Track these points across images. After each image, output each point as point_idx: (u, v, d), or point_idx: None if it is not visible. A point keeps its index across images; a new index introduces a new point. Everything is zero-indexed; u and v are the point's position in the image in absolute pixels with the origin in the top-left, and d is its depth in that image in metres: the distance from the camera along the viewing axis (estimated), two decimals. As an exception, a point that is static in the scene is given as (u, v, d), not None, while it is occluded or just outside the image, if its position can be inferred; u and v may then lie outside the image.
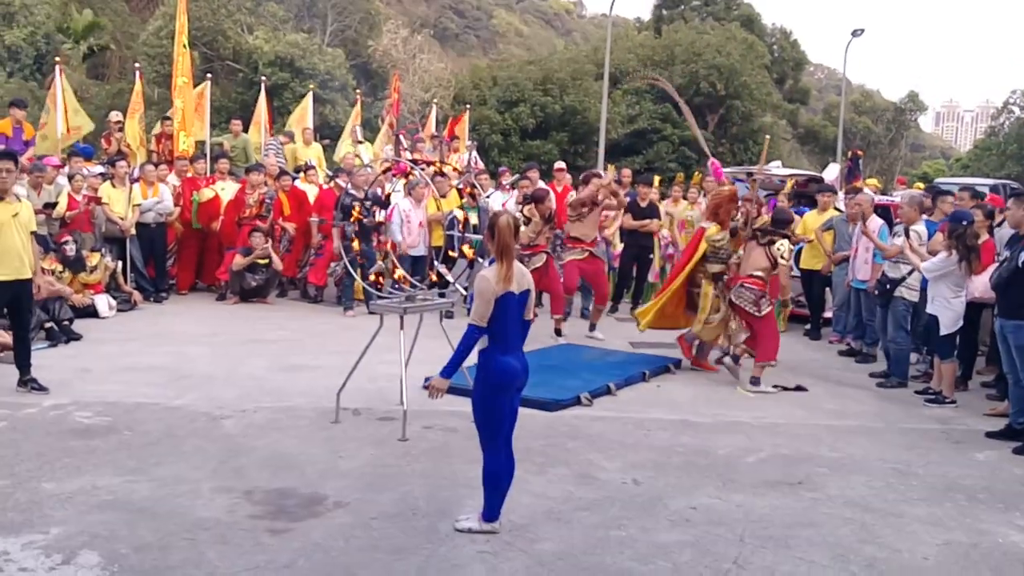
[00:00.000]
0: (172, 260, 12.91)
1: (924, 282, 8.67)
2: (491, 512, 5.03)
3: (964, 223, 8.10)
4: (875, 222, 10.09)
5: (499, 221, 4.99)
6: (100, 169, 12.43)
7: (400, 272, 7.51)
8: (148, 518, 5.01)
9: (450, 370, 5.04)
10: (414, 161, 8.09)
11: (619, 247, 13.28)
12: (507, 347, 4.96)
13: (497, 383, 4.95)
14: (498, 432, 5.01)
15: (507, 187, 13.01)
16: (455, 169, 8.42)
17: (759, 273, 8.77)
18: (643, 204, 12.89)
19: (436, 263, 7.62)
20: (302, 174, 13.69)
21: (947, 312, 8.22)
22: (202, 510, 5.16)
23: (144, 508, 5.15)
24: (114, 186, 11.84)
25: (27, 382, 7.52)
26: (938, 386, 8.46)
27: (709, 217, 9.30)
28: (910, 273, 9.00)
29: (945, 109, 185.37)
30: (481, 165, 16.25)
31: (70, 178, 11.46)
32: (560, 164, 14.44)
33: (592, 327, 11.00)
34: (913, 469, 6.44)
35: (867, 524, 5.38)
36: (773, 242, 8.80)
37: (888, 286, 9.22)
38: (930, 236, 9.04)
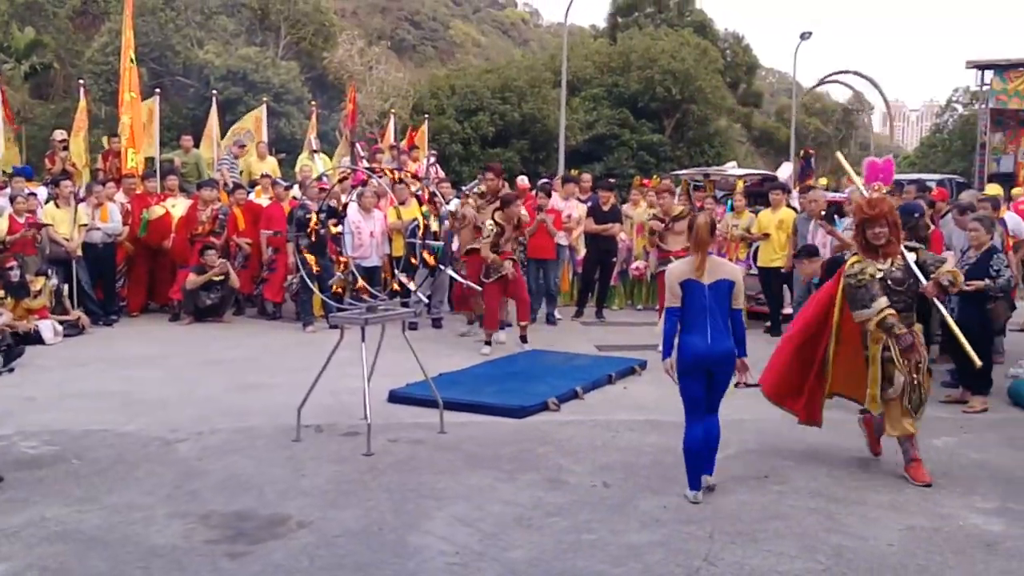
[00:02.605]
0: (122, 281, 12.49)
1: None
2: (691, 482, 5.60)
3: (915, 215, 8.19)
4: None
5: (698, 220, 5.73)
6: (43, 191, 12.13)
7: (361, 283, 7.35)
8: (100, 547, 4.80)
9: (666, 351, 5.73)
10: (371, 170, 7.95)
11: (582, 252, 13.24)
12: (694, 330, 5.55)
13: (685, 361, 5.59)
14: (690, 407, 5.66)
15: (464, 193, 12.87)
16: (413, 175, 8.28)
17: None
18: (605, 208, 12.88)
19: (397, 272, 7.48)
20: (256, 188, 13.49)
21: None
22: (156, 537, 4.97)
23: (96, 537, 4.94)
24: (58, 206, 11.54)
25: None
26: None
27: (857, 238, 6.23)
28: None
29: (892, 109, 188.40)
30: (442, 174, 16.15)
31: (11, 200, 11.17)
32: (521, 181, 14.48)
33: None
34: (873, 458, 6.47)
35: (832, 513, 5.39)
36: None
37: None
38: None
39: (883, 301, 5.80)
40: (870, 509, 5.48)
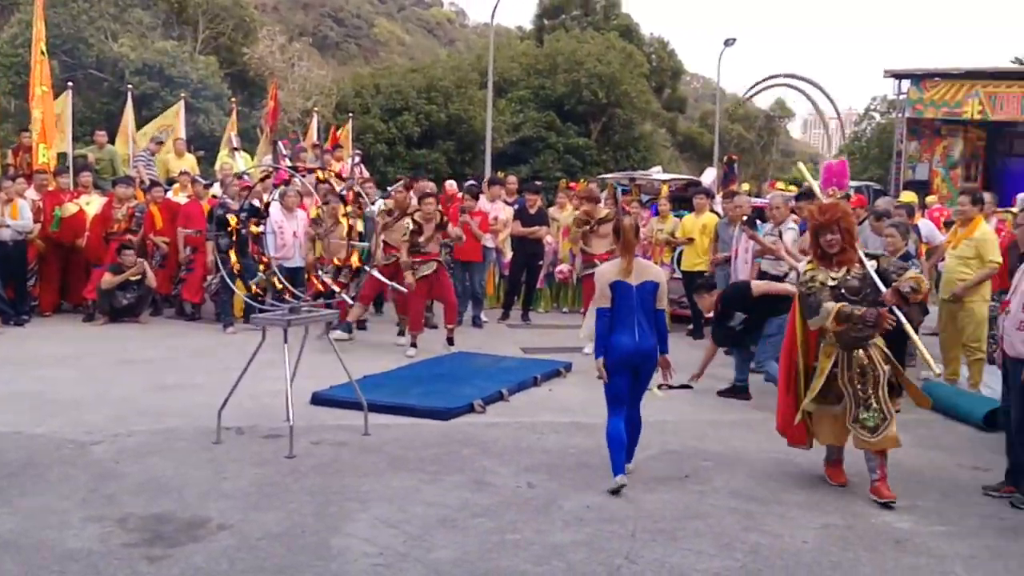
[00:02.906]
0: (33, 280, 12.04)
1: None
2: (615, 468, 5.78)
3: None
4: (789, 233, 9.86)
5: (624, 223, 5.99)
6: None
7: (280, 284, 7.25)
8: (13, 551, 4.66)
9: (599, 350, 5.89)
10: (294, 169, 7.84)
11: (508, 254, 13.28)
12: (623, 329, 5.79)
13: (613, 360, 5.80)
14: (614, 403, 5.91)
15: (391, 193, 12.79)
16: (337, 175, 8.19)
17: None
18: (532, 211, 12.93)
19: (320, 272, 7.39)
20: (174, 186, 13.21)
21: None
22: (72, 541, 4.83)
23: (9, 542, 4.78)
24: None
25: None
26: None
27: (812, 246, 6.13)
28: (790, 270, 9.19)
29: (812, 116, 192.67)
30: (366, 174, 16.03)
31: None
32: (450, 186, 14.54)
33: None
34: (792, 458, 6.57)
35: (751, 512, 5.51)
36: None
37: None
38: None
39: (832, 304, 5.68)
40: (787, 508, 5.61)
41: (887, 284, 5.73)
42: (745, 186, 18.82)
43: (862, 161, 45.04)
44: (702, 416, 7.85)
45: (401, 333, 10.99)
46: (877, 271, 5.78)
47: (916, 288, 5.67)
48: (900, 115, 23.18)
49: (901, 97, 23.17)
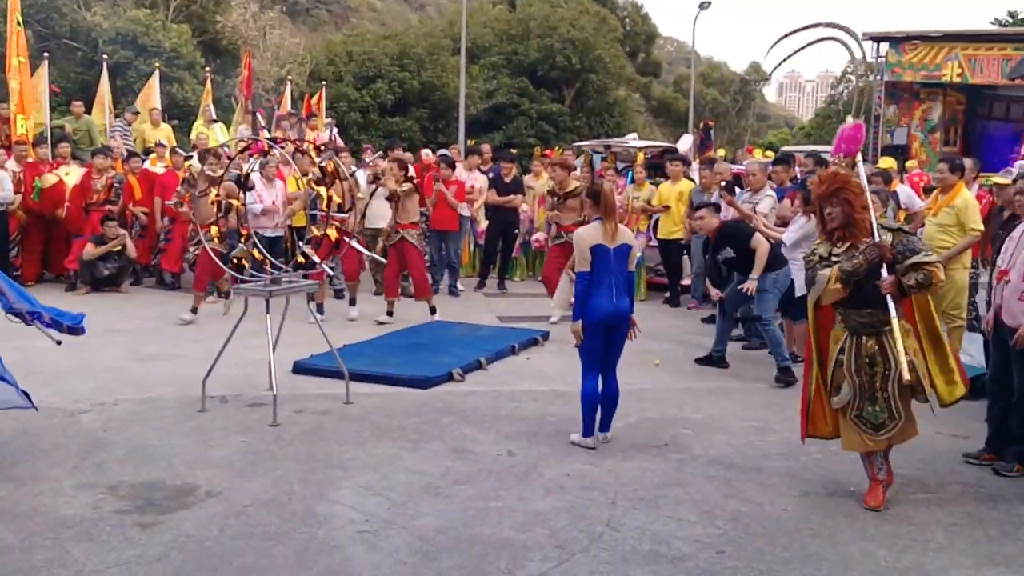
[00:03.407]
0: (15, 251, 12.12)
1: (777, 246, 8.96)
2: (586, 430, 6.11)
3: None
4: (767, 200, 9.88)
5: (604, 187, 6.13)
6: None
7: (259, 254, 7.33)
8: (7, 519, 4.77)
9: (578, 313, 6.04)
10: (273, 140, 7.90)
11: (483, 224, 13.36)
12: (600, 291, 5.95)
13: (592, 321, 5.95)
14: (590, 363, 6.10)
15: (368, 164, 12.87)
16: (315, 147, 8.25)
17: None
18: (507, 179, 12.99)
19: (300, 244, 7.48)
20: (151, 156, 13.19)
21: (802, 274, 8.54)
22: (65, 508, 4.95)
23: (2, 510, 4.89)
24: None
25: None
26: (792, 346, 8.83)
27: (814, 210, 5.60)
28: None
29: (788, 79, 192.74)
30: (341, 143, 16.02)
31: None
32: (426, 155, 14.58)
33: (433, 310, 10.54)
34: (771, 426, 6.73)
35: (730, 480, 5.61)
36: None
37: None
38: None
39: (827, 270, 5.18)
40: (767, 476, 5.69)
41: (891, 269, 5.11)
42: (721, 151, 18.92)
43: (838, 124, 45.21)
44: (680, 384, 7.99)
45: (378, 293, 11.17)
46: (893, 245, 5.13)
47: (923, 283, 5.05)
48: (878, 79, 23.11)
49: (879, 60, 23.09)
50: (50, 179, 11.94)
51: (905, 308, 5.25)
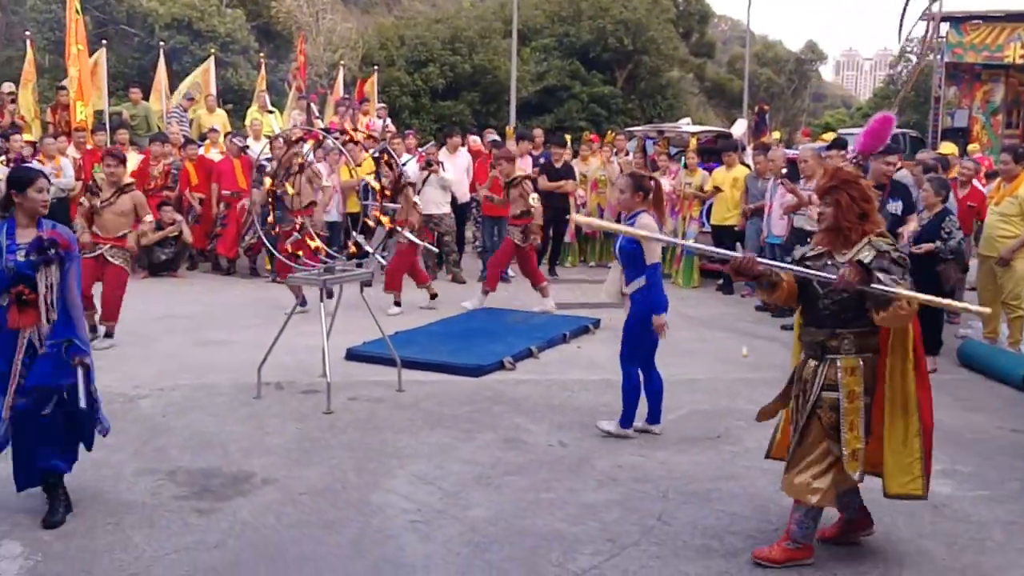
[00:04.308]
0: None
1: None
2: (625, 420, 6.17)
3: None
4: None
5: (653, 181, 6.23)
6: None
7: (317, 243, 7.41)
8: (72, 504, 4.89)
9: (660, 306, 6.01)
10: (326, 130, 7.96)
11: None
12: (660, 283, 6.05)
13: (659, 314, 5.99)
14: (650, 355, 6.23)
15: (413, 149, 12.87)
16: (370, 137, 8.29)
17: None
18: (558, 165, 12.95)
19: (354, 234, 7.54)
20: (206, 142, 13.38)
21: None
22: (126, 493, 5.07)
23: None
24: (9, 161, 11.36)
25: None
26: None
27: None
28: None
29: (845, 58, 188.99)
30: (393, 129, 16.08)
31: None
32: (474, 142, 14.54)
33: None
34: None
35: (785, 474, 5.56)
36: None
37: (808, 240, 9.41)
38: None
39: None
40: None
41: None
42: (776, 134, 18.66)
43: (898, 105, 44.29)
44: (733, 374, 7.90)
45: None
46: (867, 264, 4.17)
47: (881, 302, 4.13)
48: (939, 59, 22.54)
49: (939, 40, 22.53)
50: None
51: (878, 367, 4.36)
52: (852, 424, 4.24)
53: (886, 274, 4.12)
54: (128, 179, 8.79)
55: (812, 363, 4.38)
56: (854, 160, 4.42)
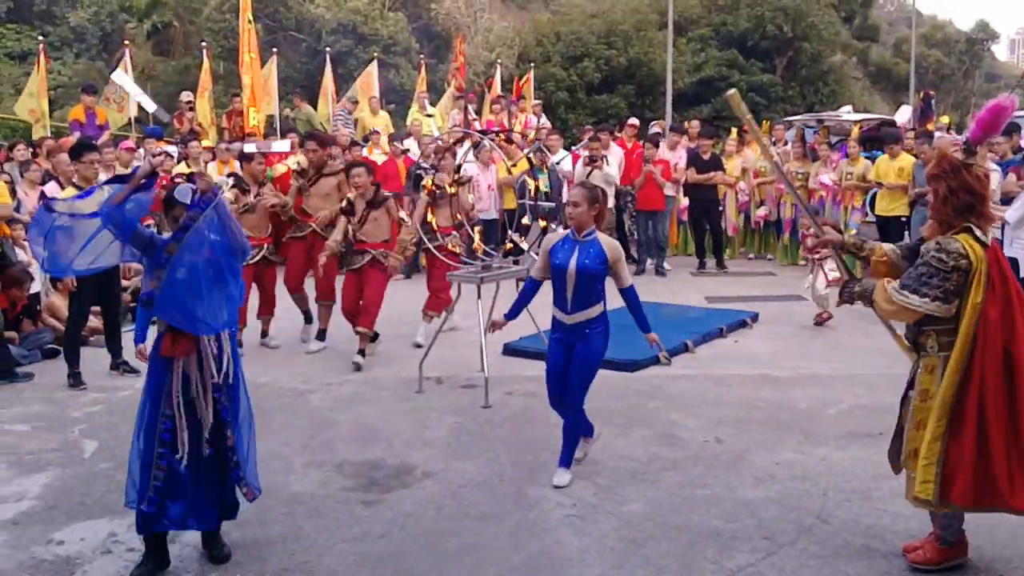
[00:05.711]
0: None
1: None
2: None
3: None
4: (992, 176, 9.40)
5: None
6: (173, 150, 12.70)
7: (477, 242, 7.60)
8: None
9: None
10: (483, 132, 8.13)
11: (683, 202, 13.24)
12: None
13: None
14: None
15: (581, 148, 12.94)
16: (524, 136, 8.42)
17: None
18: (705, 157, 12.85)
19: (510, 231, 7.69)
20: (368, 143, 13.85)
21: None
22: (296, 484, 5.35)
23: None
24: (189, 167, 12.07)
25: (118, 365, 7.82)
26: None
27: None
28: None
29: (1020, 36, 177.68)
30: (548, 125, 16.22)
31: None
32: (633, 120, 14.54)
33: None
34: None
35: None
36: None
37: None
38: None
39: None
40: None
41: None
42: (944, 119, 17.79)
43: (1077, 91, 41.36)
44: (895, 369, 7.55)
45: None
46: (908, 246, 4.37)
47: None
48: None
49: None
50: (280, 169, 12.73)
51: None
52: (920, 423, 4.11)
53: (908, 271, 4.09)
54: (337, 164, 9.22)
55: (915, 364, 4.27)
56: (964, 147, 4.07)
